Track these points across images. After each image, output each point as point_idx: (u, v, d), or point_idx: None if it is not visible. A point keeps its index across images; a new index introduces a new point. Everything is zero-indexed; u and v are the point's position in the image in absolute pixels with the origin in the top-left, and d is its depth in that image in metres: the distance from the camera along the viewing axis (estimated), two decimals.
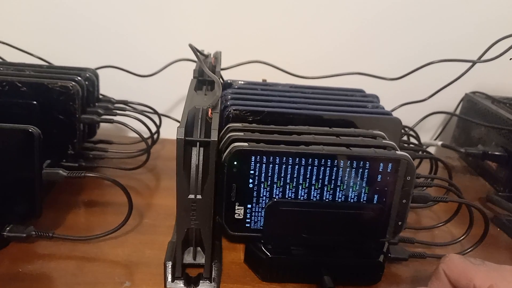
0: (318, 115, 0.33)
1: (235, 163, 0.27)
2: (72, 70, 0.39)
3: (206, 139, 0.23)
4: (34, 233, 0.29)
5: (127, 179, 0.41)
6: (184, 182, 0.23)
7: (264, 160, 0.27)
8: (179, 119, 0.53)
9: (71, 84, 0.34)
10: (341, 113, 0.34)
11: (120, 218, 0.30)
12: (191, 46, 0.31)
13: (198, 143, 0.23)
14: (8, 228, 0.28)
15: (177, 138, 0.23)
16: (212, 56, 0.41)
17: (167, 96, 0.53)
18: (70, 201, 0.36)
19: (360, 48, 0.52)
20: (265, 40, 0.51)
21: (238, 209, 0.28)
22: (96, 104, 0.40)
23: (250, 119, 0.32)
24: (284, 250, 0.28)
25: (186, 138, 0.23)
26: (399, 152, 0.28)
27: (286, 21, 0.51)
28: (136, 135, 0.39)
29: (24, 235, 0.28)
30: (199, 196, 0.24)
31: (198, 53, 0.32)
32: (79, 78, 0.36)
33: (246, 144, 0.27)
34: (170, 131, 0.47)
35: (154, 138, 0.43)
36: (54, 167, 0.29)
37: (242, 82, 0.40)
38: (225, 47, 0.44)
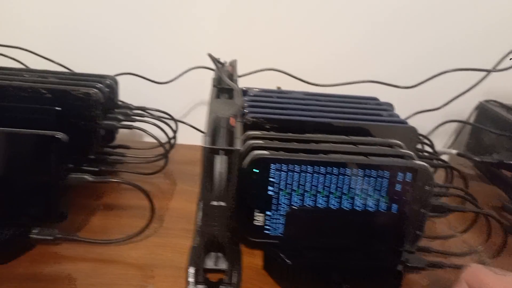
0: (334, 123, 0.34)
1: (255, 170, 0.27)
2: (93, 77, 0.39)
3: (230, 148, 0.24)
4: (60, 236, 0.29)
5: (143, 183, 0.41)
6: (208, 189, 0.24)
7: (284, 168, 0.27)
8: (195, 125, 0.53)
9: (93, 91, 0.35)
10: (357, 122, 0.34)
11: (135, 220, 0.31)
12: (210, 56, 0.32)
13: (222, 152, 0.24)
14: (35, 231, 0.29)
15: (203, 147, 0.23)
16: (228, 64, 0.41)
17: (183, 103, 0.53)
18: (87, 204, 0.37)
19: (373, 55, 0.53)
20: (278, 48, 0.52)
21: (257, 216, 0.28)
22: (116, 110, 0.41)
23: (267, 126, 0.33)
24: (303, 257, 0.28)
25: (211, 147, 0.23)
26: (417, 162, 0.28)
27: (299, 29, 0.51)
28: (153, 140, 0.39)
29: (52, 237, 0.29)
30: (222, 203, 0.24)
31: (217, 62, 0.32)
32: (101, 85, 0.37)
33: (266, 152, 0.27)
34: (184, 136, 0.48)
35: (171, 143, 0.44)
36: (75, 171, 0.30)
37: (257, 90, 0.41)
38: (239, 54, 0.45)
